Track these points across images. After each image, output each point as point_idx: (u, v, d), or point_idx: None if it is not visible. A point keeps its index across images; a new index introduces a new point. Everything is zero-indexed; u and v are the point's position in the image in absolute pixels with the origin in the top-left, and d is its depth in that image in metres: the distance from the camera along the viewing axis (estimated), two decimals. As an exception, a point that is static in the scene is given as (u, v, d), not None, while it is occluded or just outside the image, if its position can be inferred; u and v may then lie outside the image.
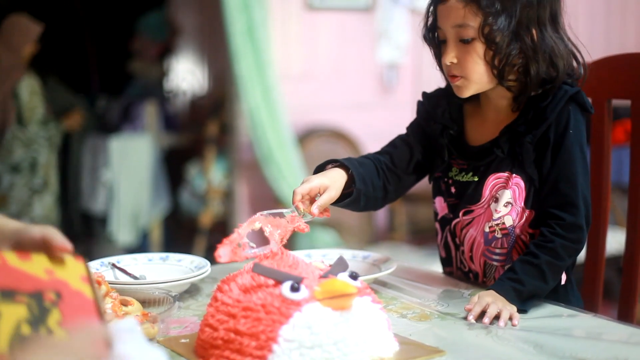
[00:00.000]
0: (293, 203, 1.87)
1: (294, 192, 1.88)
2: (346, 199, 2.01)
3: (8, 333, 1.18)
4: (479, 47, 1.95)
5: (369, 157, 2.15)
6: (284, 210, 1.80)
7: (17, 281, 1.23)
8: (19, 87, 5.28)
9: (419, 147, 2.17)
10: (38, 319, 1.22)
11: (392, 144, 2.20)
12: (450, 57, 1.98)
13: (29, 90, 5.31)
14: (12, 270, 1.24)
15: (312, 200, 1.92)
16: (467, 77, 1.98)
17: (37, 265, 1.27)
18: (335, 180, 1.95)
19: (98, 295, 1.30)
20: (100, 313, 1.28)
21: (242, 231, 1.68)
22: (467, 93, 2.01)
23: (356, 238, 5.40)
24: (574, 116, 1.96)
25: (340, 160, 2.02)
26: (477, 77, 1.98)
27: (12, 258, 1.25)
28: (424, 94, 2.21)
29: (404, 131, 2.23)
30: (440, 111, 2.11)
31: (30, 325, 1.21)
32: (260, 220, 1.73)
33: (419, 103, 2.21)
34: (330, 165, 2.03)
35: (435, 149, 2.15)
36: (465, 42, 1.95)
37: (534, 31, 1.94)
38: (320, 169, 2.04)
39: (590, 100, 2.02)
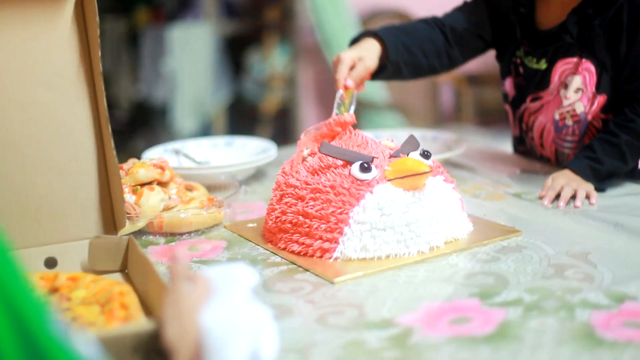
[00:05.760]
0: (337, 89, 1.77)
1: (336, 80, 1.79)
2: (384, 71, 1.93)
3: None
4: None
5: (428, 21, 2.05)
6: (325, 121, 1.70)
7: None
8: None
9: (487, 18, 2.08)
10: None
11: (460, 9, 2.11)
12: None
13: None
14: None
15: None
16: None
17: None
18: (369, 50, 1.87)
19: None
20: None
21: (297, 165, 1.60)
22: None
23: (422, 120, 5.33)
24: None
25: (374, 30, 1.93)
26: None
27: None
28: None
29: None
30: None
31: None
32: (305, 144, 1.64)
33: None
34: (363, 37, 1.94)
35: (504, 25, 2.05)
36: None
37: None
38: (354, 41, 1.95)
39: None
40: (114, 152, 1.40)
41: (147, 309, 1.19)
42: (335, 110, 1.71)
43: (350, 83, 1.76)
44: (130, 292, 1.22)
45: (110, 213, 1.45)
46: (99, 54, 1.37)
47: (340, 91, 1.73)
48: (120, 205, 1.44)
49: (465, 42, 2.07)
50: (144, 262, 1.28)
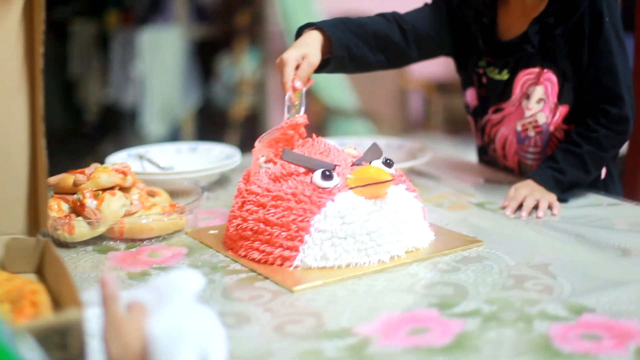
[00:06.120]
0: (285, 92, 1.73)
1: (283, 83, 1.72)
2: (329, 64, 1.86)
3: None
4: None
5: (386, 16, 1.99)
6: (278, 126, 1.68)
7: None
8: None
9: (447, 26, 2.05)
10: None
11: (422, 11, 2.06)
12: None
13: None
14: None
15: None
16: None
17: None
18: (311, 45, 1.78)
19: None
20: None
21: (255, 174, 1.59)
22: None
23: (390, 127, 5.34)
24: (607, 2, 1.84)
25: (318, 23, 1.85)
26: None
27: None
28: None
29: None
30: None
31: None
32: (260, 151, 1.63)
33: None
34: (307, 29, 1.85)
35: (465, 35, 2.04)
36: None
37: None
38: (299, 33, 1.86)
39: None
40: (45, 152, 1.38)
41: (59, 310, 1.18)
42: (286, 114, 1.69)
43: (298, 84, 1.71)
44: (41, 291, 1.21)
45: (35, 212, 1.43)
46: (42, 50, 1.36)
47: (289, 93, 1.70)
48: (43, 205, 1.42)
49: (423, 44, 2.02)
50: (58, 264, 1.26)
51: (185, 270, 0.99)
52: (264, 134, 1.65)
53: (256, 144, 1.63)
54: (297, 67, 1.74)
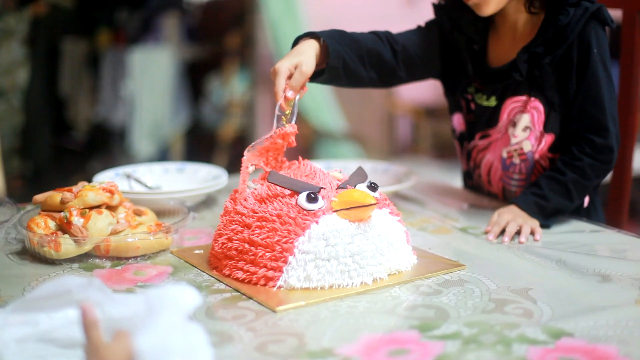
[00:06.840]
0: (276, 101, 1.70)
1: (275, 93, 1.71)
2: (323, 74, 1.87)
3: None
4: None
5: (379, 35, 2.01)
6: (267, 135, 1.68)
7: None
8: None
9: (438, 51, 2.07)
10: None
11: (414, 33, 2.08)
12: None
13: None
14: None
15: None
16: None
17: None
18: (305, 54, 1.77)
19: None
20: None
21: (243, 182, 1.61)
22: (487, 10, 1.89)
23: (378, 151, 5.35)
24: (596, 34, 1.86)
25: (318, 33, 1.85)
26: None
27: None
28: None
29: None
30: (466, 22, 2.01)
31: None
32: (249, 160, 1.65)
33: (438, 7, 2.07)
34: (303, 39, 1.85)
35: (455, 60, 2.07)
36: None
37: None
38: (295, 42, 1.86)
39: (614, 12, 1.93)
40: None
41: None
42: (275, 124, 1.69)
43: (290, 94, 1.71)
44: None
45: None
46: None
47: (280, 103, 1.70)
48: None
49: (413, 65, 2.05)
50: None
51: (182, 286, 1.00)
52: (253, 143, 1.66)
53: (245, 152, 1.64)
54: (291, 77, 1.73)
